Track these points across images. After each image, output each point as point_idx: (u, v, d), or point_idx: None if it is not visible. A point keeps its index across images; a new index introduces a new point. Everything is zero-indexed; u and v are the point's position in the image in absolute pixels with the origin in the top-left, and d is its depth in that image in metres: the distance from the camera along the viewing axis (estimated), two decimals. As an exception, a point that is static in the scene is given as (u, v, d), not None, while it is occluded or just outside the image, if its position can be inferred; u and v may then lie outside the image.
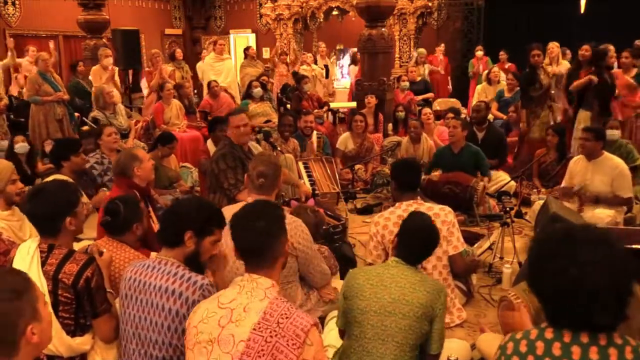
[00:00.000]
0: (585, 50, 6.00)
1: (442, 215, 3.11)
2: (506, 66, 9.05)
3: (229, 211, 2.91)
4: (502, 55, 9.24)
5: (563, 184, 4.69)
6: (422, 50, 9.85)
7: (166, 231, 2.13)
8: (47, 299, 2.12)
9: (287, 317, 1.71)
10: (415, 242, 2.36)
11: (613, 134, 5.02)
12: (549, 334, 1.47)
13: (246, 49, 9.83)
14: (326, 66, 10.43)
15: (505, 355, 1.55)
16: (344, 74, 12.28)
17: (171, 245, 2.11)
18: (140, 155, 3.41)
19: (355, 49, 10.57)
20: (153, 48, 10.81)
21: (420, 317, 2.17)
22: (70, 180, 2.84)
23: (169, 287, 1.98)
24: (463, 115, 8.08)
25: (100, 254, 2.43)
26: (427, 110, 6.89)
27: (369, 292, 2.22)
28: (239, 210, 1.97)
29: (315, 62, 10.03)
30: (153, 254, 2.75)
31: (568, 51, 8.30)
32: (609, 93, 5.85)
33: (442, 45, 10.45)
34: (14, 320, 1.36)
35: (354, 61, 10.37)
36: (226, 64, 8.83)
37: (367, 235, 3.32)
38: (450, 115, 6.51)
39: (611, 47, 6.41)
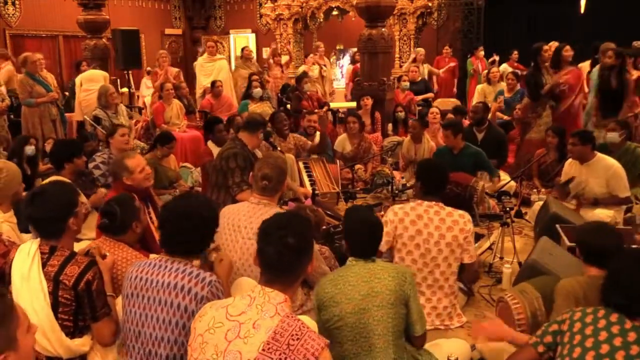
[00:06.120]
0: (567, 51, 6.08)
1: (461, 223, 3.04)
2: (515, 64, 9.08)
3: (230, 211, 2.94)
4: (515, 55, 9.26)
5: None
6: (420, 49, 9.85)
7: (190, 244, 2.12)
8: (47, 300, 2.13)
9: (298, 339, 1.65)
10: (362, 236, 2.39)
11: (612, 136, 4.84)
12: (613, 318, 1.88)
13: (242, 50, 9.78)
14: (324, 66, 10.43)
15: (571, 319, 1.97)
16: (343, 74, 12.28)
17: (194, 255, 2.16)
18: (130, 167, 3.29)
19: (356, 49, 10.60)
20: (153, 48, 10.85)
21: (393, 303, 2.22)
22: (68, 181, 2.84)
23: (178, 283, 1.99)
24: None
25: (103, 257, 2.43)
26: (434, 110, 6.91)
27: (339, 297, 2.24)
28: (270, 220, 1.89)
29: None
30: (152, 256, 2.76)
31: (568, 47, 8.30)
32: (610, 93, 5.83)
33: (448, 47, 10.39)
34: None
35: (353, 61, 10.36)
36: (217, 65, 8.77)
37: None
38: (450, 115, 6.53)
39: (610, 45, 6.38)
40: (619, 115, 5.76)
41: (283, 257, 1.77)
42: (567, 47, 6.17)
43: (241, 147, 4.01)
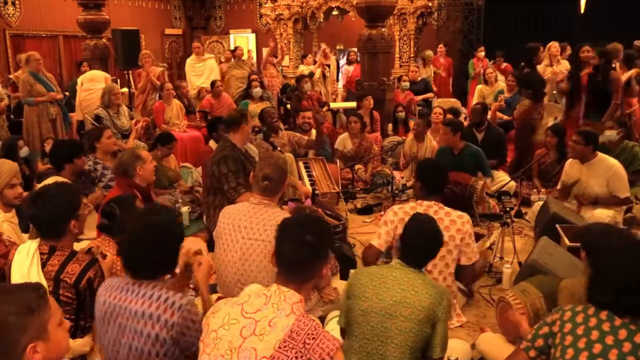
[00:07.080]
0: (586, 51, 6.00)
1: (459, 224, 3.06)
2: (502, 66, 9.07)
3: (231, 211, 2.94)
4: (499, 59, 9.27)
5: (559, 186, 4.67)
6: (429, 52, 9.88)
7: (163, 264, 1.98)
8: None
9: (314, 338, 1.67)
10: (419, 245, 2.33)
11: (610, 134, 4.90)
12: (603, 315, 1.84)
13: (234, 50, 9.71)
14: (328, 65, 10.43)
15: (562, 320, 1.90)
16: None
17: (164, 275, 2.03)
18: (143, 156, 3.48)
19: (352, 49, 10.61)
20: (153, 48, 10.85)
21: (421, 320, 2.15)
22: (70, 182, 2.84)
23: (146, 311, 1.87)
24: (463, 115, 8.09)
25: (104, 257, 2.43)
26: (437, 109, 6.85)
27: (371, 293, 2.21)
28: (290, 219, 1.91)
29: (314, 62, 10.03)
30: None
31: (568, 47, 8.28)
32: (598, 93, 5.77)
33: (442, 46, 10.43)
34: (16, 335, 1.36)
35: (349, 62, 10.36)
36: (207, 65, 8.78)
37: (367, 235, 3.30)
38: (449, 115, 6.52)
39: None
40: (605, 115, 5.68)
41: (299, 254, 1.78)
42: (587, 47, 6.10)
43: (231, 148, 4.00)
